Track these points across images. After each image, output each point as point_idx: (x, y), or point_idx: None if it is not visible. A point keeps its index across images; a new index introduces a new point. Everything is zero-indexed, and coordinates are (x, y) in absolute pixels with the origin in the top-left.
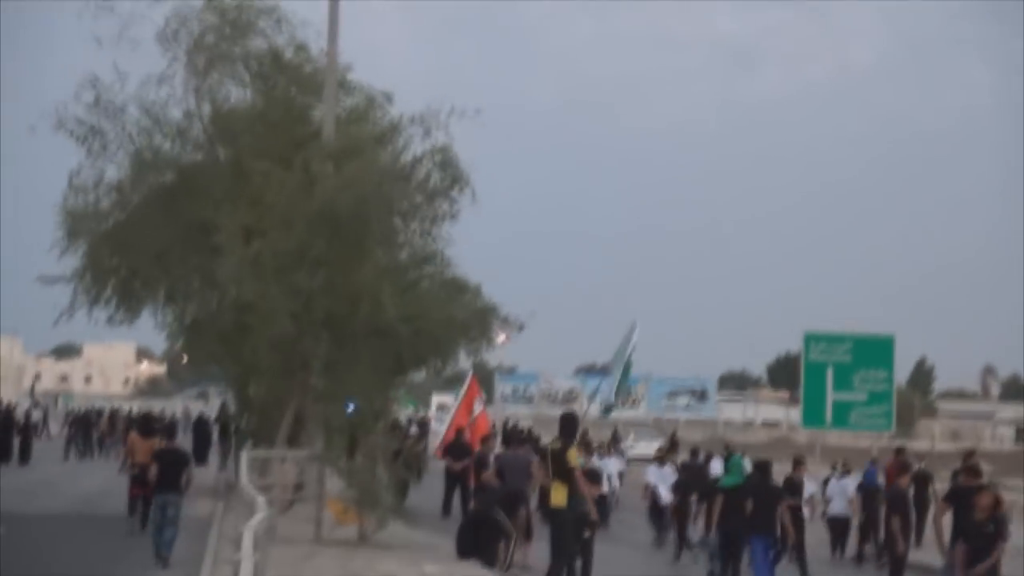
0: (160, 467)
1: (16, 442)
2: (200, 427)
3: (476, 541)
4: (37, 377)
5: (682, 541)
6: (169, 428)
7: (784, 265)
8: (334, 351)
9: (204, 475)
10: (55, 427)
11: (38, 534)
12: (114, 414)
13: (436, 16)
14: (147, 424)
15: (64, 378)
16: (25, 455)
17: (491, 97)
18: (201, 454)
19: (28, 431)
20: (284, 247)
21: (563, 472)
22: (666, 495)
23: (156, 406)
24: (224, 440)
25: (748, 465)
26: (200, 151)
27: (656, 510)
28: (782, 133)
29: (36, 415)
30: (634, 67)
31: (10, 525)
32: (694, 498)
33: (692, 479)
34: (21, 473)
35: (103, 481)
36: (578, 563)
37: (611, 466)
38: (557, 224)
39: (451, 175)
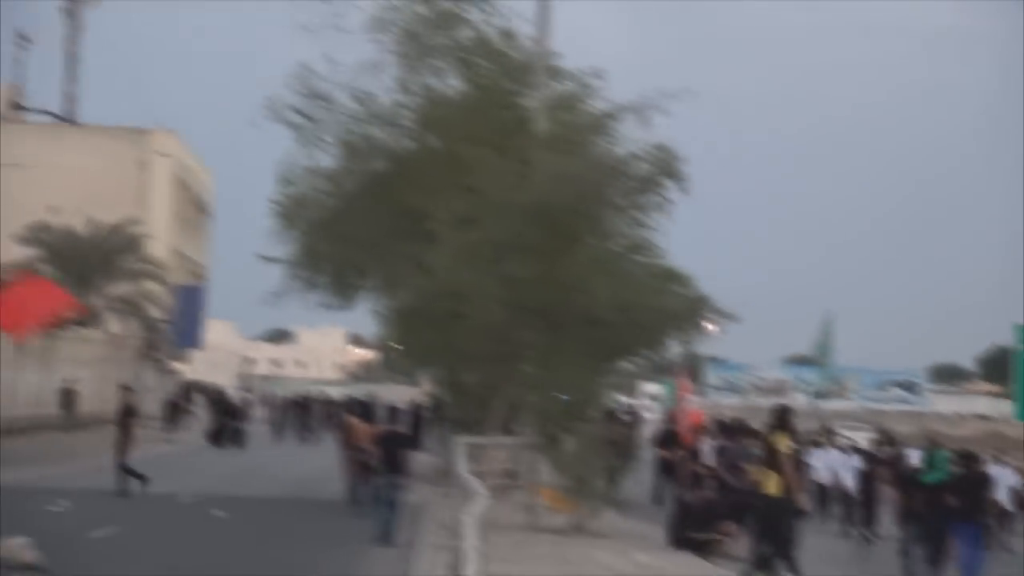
0: (384, 450)
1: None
2: (413, 413)
3: (688, 531)
4: (249, 362)
5: (866, 530)
6: (392, 413)
7: (994, 255)
8: (546, 339)
9: (417, 460)
10: (266, 412)
11: (258, 517)
12: (328, 399)
13: (641, 3)
14: (367, 408)
15: (277, 363)
16: (239, 439)
17: (698, 85)
18: (415, 440)
19: (241, 416)
20: (499, 236)
21: (774, 461)
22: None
23: (368, 391)
24: (436, 426)
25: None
26: (411, 139)
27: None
28: (992, 122)
29: (247, 399)
30: (843, 55)
31: (230, 508)
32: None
33: (884, 468)
34: (236, 457)
35: (318, 465)
36: (772, 550)
37: (832, 460)
38: (766, 213)
39: (664, 166)
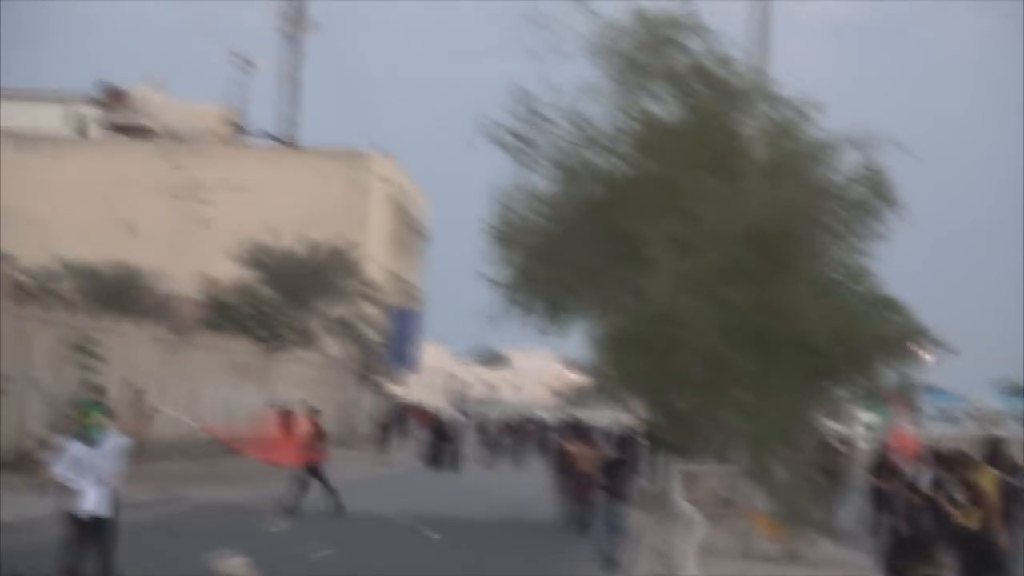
0: (608, 475)
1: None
2: (625, 438)
3: (902, 562)
4: (463, 384)
5: None
6: (620, 439)
7: None
8: (760, 366)
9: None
10: (480, 434)
11: (475, 538)
12: (542, 422)
13: (850, 24)
14: (586, 433)
15: (491, 386)
16: (454, 462)
17: (907, 108)
18: (634, 466)
19: (457, 439)
20: (715, 262)
21: (976, 494)
22: None
23: (578, 415)
24: (647, 452)
25: None
26: (628, 164)
27: None
28: None
29: (462, 421)
30: None
31: (445, 530)
32: None
33: None
34: (451, 479)
35: (532, 488)
36: None
37: None
38: (973, 240)
39: (878, 191)
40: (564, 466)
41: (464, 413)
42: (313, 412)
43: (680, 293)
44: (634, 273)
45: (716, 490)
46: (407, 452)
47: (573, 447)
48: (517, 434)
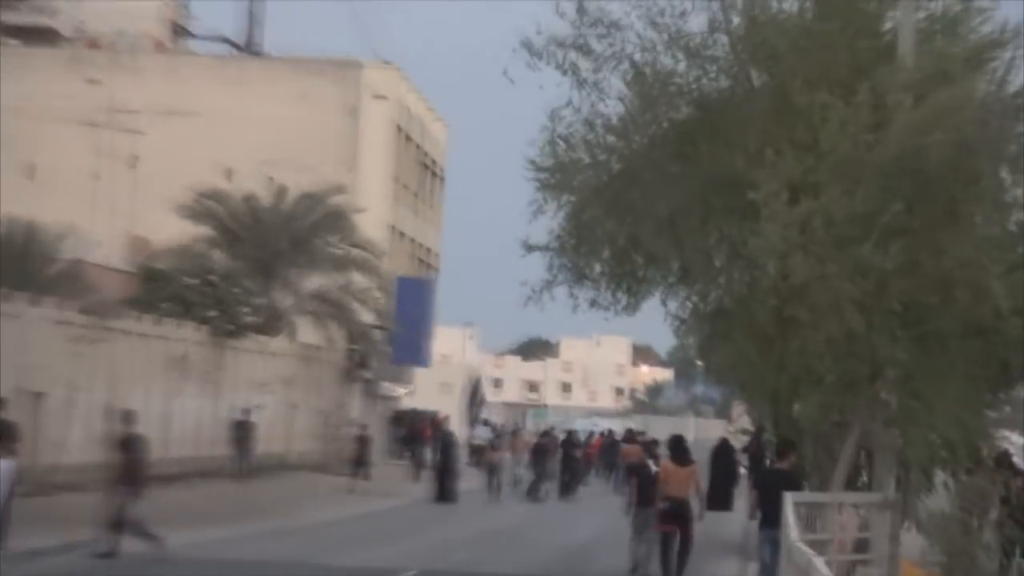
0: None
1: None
2: (722, 457)
3: None
4: (495, 384)
5: None
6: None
7: None
8: (915, 355)
9: (727, 524)
10: (517, 453)
11: None
12: (608, 434)
13: None
14: (681, 448)
15: (533, 386)
16: (449, 493)
17: None
18: (724, 496)
19: (451, 459)
20: (847, 210)
21: None
22: None
23: (660, 425)
24: (755, 474)
25: None
26: (727, 77)
27: None
28: None
29: (484, 436)
30: None
31: None
32: None
33: None
34: (458, 517)
35: (591, 528)
36: None
37: None
38: None
39: None
40: (649, 494)
41: (485, 424)
42: (126, 417)
43: (799, 254)
44: (735, 227)
45: (851, 529)
46: (417, 479)
47: (665, 466)
48: (569, 452)
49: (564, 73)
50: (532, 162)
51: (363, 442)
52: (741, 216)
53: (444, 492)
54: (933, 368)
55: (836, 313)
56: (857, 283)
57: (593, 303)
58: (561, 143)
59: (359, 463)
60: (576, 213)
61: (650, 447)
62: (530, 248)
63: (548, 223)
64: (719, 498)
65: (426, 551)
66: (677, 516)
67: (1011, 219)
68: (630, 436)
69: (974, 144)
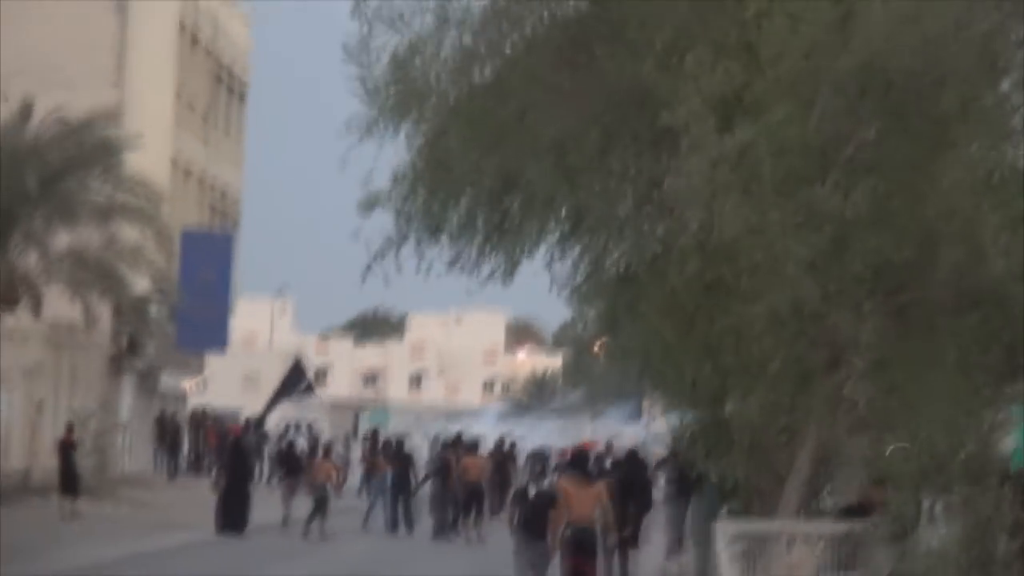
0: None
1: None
2: (633, 473)
3: None
4: (316, 374)
5: None
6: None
7: None
8: (890, 336)
9: (643, 560)
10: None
11: None
12: (472, 445)
13: None
14: (583, 464)
15: (371, 378)
16: (239, 520)
17: None
18: (633, 526)
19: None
20: (796, 139)
21: None
22: None
23: (545, 431)
24: (679, 499)
25: None
26: None
27: None
28: None
29: (301, 443)
30: None
31: None
32: None
33: None
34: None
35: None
36: None
37: None
38: None
39: None
40: (540, 522)
41: (296, 430)
42: None
43: (734, 198)
44: (648, 162)
45: (807, 570)
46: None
47: (567, 488)
48: (403, 469)
49: None
50: (360, 77)
51: (65, 449)
52: (653, 146)
53: (232, 520)
54: (914, 353)
55: (781, 278)
56: (809, 238)
57: (452, 265)
58: (407, 57)
59: (67, 479)
60: (429, 144)
61: (503, 461)
62: (370, 198)
63: (392, 158)
64: (627, 531)
65: None
66: (583, 548)
67: (1015, 150)
68: (467, 446)
69: (969, 47)
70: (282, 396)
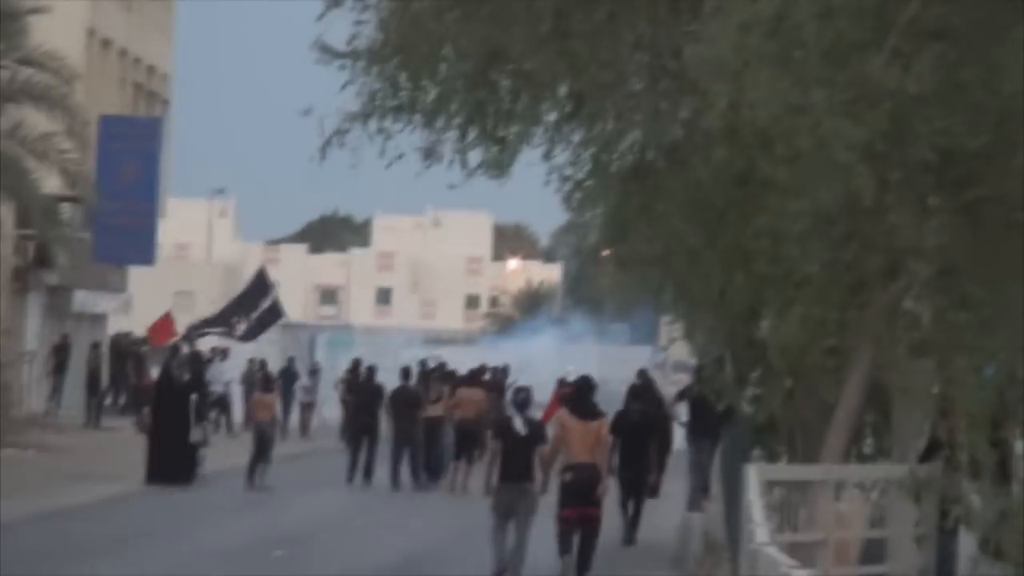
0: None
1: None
2: (645, 406)
3: None
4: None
5: None
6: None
7: None
8: (960, 239)
9: (661, 512)
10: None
11: None
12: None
13: None
14: (588, 394)
15: (330, 294)
16: (177, 469)
17: None
18: (642, 471)
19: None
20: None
21: None
22: None
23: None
24: (703, 438)
25: None
26: None
27: None
28: None
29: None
30: None
31: None
32: None
33: None
34: (208, 502)
35: (435, 525)
36: None
37: None
38: None
39: None
40: (518, 462)
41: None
42: None
43: (766, 70)
44: (662, 30)
45: (854, 519)
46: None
47: (566, 420)
48: (368, 402)
49: None
50: None
51: None
52: (671, 8)
53: (167, 468)
54: (988, 259)
55: (828, 168)
56: (863, 118)
57: (428, 155)
58: None
59: None
60: (399, 6)
61: (496, 390)
62: (324, 54)
63: (353, 23)
64: (635, 476)
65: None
66: (585, 493)
67: None
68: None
69: None
70: (236, 315)
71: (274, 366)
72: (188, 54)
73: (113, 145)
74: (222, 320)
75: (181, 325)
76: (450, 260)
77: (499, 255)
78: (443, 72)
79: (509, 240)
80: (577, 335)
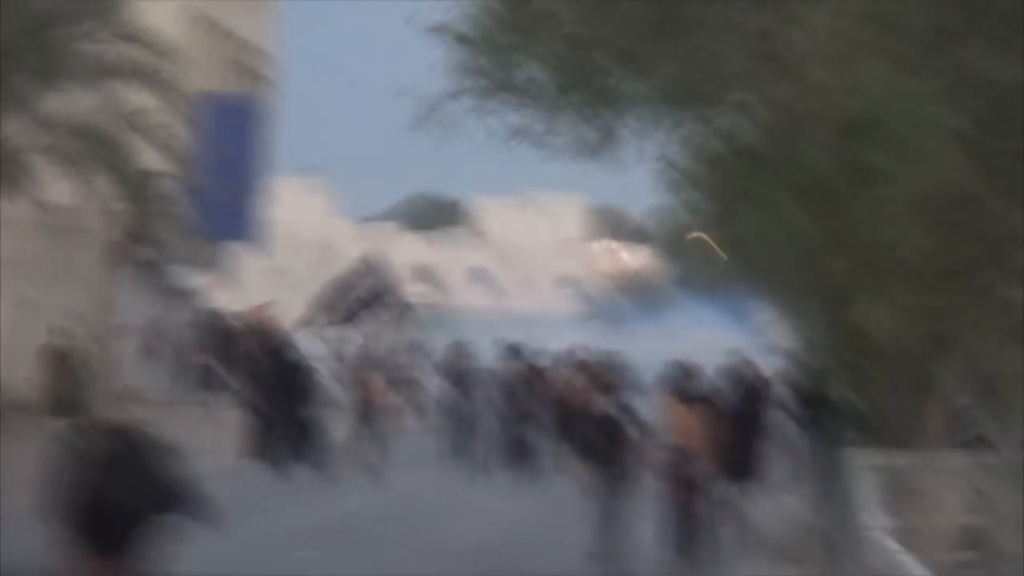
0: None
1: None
2: (747, 395)
3: None
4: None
5: None
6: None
7: None
8: None
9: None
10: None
11: None
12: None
13: None
14: (689, 379)
15: (426, 275)
16: (288, 449)
17: None
18: (748, 458)
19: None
20: None
21: None
22: None
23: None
24: (799, 423)
25: None
26: None
27: None
28: None
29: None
30: None
31: None
32: None
33: None
34: (312, 496)
35: (523, 504)
36: None
37: None
38: None
39: None
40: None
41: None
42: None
43: (861, 55)
44: (765, 14)
45: (951, 509)
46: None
47: (679, 408)
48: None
49: None
50: None
51: (56, 360)
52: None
53: (268, 449)
54: None
55: (925, 154)
56: (962, 104)
57: (520, 134)
58: None
59: (57, 396)
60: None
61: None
62: (428, 31)
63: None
64: (740, 463)
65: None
66: (689, 478)
67: None
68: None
69: None
70: (361, 312)
71: (378, 347)
72: (299, 25)
73: (216, 125)
74: (338, 308)
75: (278, 305)
76: (543, 243)
77: (593, 236)
78: (542, 52)
79: (603, 221)
80: (674, 318)
